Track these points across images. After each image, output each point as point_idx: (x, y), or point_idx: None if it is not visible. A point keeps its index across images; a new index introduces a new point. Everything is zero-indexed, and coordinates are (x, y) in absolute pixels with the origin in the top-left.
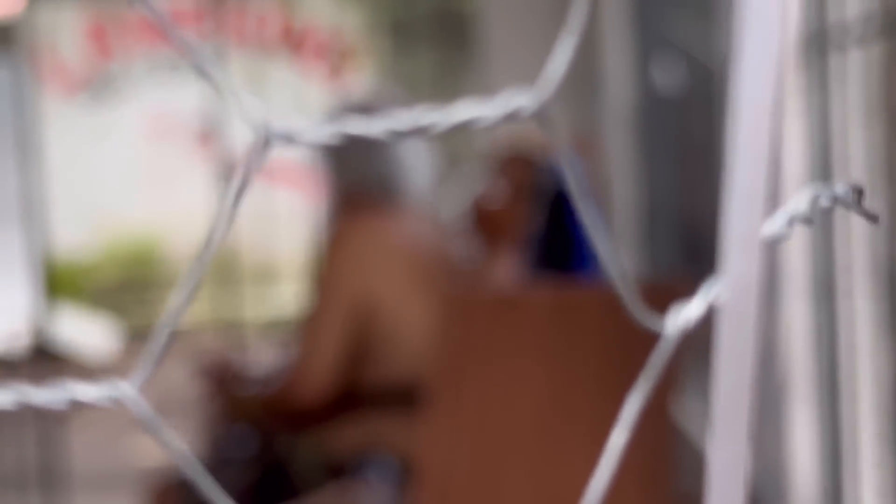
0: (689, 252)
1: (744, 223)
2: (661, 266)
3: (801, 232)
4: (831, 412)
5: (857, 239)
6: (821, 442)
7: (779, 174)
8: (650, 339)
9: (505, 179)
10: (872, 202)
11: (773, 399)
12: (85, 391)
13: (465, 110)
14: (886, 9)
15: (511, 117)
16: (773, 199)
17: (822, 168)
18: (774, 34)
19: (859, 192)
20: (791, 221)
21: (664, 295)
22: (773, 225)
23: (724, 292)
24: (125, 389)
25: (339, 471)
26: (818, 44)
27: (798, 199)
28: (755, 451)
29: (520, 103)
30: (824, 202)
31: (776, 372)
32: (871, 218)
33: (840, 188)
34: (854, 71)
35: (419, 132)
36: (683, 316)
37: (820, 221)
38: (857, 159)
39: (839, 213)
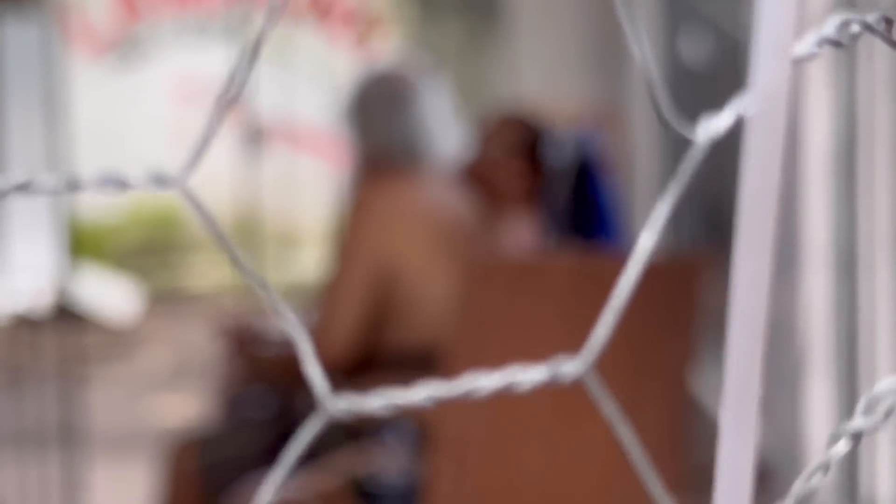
0: (712, 226)
1: (774, 35)
2: (683, 239)
3: (823, 204)
4: (849, 386)
5: (880, 210)
6: (838, 415)
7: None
8: (670, 310)
9: (496, 140)
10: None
11: (790, 371)
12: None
13: None
14: None
15: None
16: (801, 24)
17: (848, 140)
18: None
19: (889, 22)
20: (820, 43)
21: (687, 268)
22: (803, 45)
23: (753, 103)
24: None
25: (357, 433)
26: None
27: (828, 24)
28: (771, 423)
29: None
30: (854, 28)
31: (795, 345)
32: None
33: (871, 16)
34: (882, 46)
35: None
36: (713, 125)
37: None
38: (882, 133)
39: (863, 183)
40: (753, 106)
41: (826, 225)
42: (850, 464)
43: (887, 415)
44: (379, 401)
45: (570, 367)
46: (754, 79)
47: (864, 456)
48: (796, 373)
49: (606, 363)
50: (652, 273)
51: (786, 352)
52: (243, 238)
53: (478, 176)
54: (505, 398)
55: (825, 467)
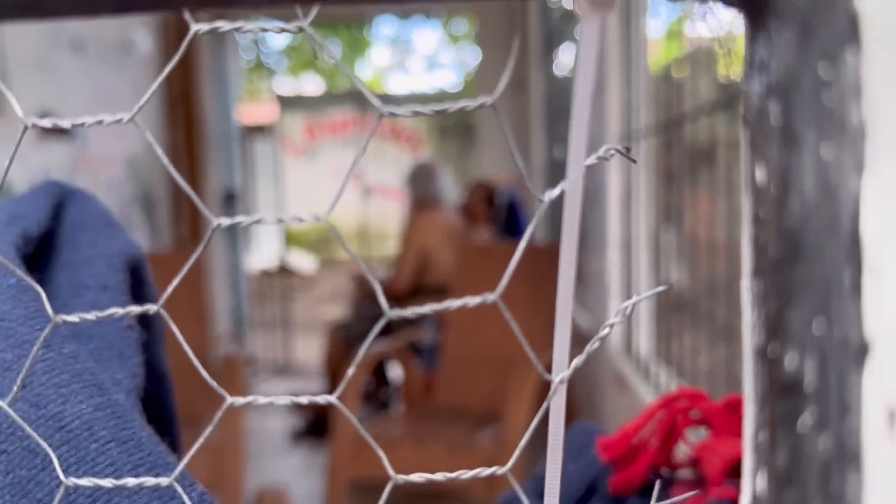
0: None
1: (576, 152)
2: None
3: (616, 216)
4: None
5: (641, 221)
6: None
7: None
8: (553, 269)
9: (475, 194)
10: (648, 214)
11: (602, 293)
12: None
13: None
14: (658, 122)
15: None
16: (591, 148)
17: (627, 194)
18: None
19: (627, 148)
20: (597, 158)
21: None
22: (590, 160)
23: (567, 185)
24: None
25: (412, 322)
26: (627, 137)
27: (600, 151)
28: (593, 316)
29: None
30: (612, 151)
31: (604, 282)
32: (632, 160)
33: (618, 146)
34: (644, 151)
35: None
36: (552, 193)
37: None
38: (644, 194)
39: (634, 209)
40: (567, 187)
41: (617, 226)
42: (628, 335)
43: (625, 316)
44: (409, 312)
45: (490, 296)
46: (568, 174)
47: (635, 331)
48: (605, 294)
49: (524, 293)
50: (544, 252)
51: (600, 285)
52: (361, 238)
53: (466, 210)
54: (478, 313)
55: (600, 339)
